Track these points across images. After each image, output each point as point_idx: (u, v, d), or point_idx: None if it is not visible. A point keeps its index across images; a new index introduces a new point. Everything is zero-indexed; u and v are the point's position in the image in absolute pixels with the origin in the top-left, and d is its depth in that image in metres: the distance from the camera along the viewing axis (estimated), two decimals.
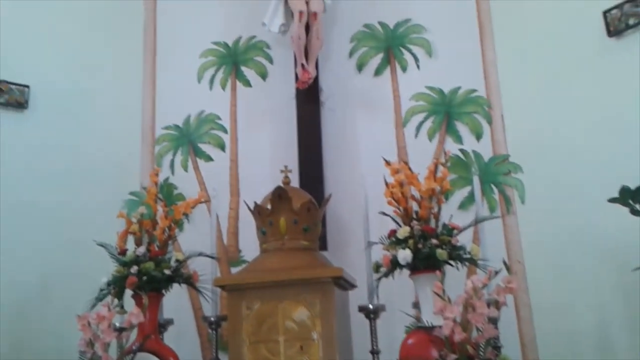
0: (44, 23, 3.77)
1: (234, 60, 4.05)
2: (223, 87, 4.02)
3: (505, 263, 2.58)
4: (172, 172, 3.91)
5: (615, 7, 3.15)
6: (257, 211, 3.03)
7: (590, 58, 3.26)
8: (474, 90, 3.66)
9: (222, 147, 3.92)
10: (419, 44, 3.82)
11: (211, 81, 4.04)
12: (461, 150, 3.59)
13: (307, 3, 3.60)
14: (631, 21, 3.08)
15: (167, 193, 3.79)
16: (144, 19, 4.19)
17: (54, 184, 3.55)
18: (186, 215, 3.19)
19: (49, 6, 3.79)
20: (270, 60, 4.01)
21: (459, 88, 3.69)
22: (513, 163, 3.50)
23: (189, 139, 3.95)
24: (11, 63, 3.56)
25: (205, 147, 3.94)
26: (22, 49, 3.63)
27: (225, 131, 3.94)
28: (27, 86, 3.57)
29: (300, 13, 3.55)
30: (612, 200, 2.57)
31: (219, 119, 3.96)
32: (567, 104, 3.30)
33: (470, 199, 3.42)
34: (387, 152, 3.30)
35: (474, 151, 3.58)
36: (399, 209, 2.82)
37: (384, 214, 2.89)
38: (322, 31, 3.61)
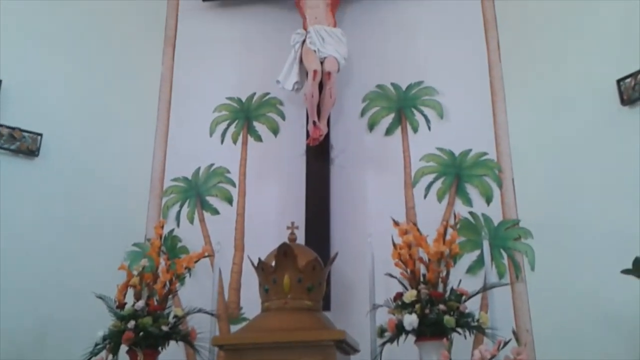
0: (61, 72, 3.82)
1: (247, 116, 4.09)
2: (234, 142, 4.04)
3: (514, 333, 2.49)
4: (178, 224, 3.88)
5: (629, 75, 3.17)
6: (261, 268, 2.97)
7: (603, 125, 3.25)
8: (485, 154, 3.65)
9: (229, 201, 3.89)
10: (430, 105, 3.84)
11: (223, 135, 4.07)
12: (471, 213, 3.53)
13: (321, 63, 3.69)
14: None
15: (171, 245, 3.74)
16: (161, 72, 4.30)
17: (58, 232, 3.51)
18: (188, 269, 3.13)
19: (67, 56, 3.86)
20: (283, 117, 4.05)
21: (469, 150, 3.68)
22: (523, 228, 3.43)
23: (197, 192, 3.94)
24: (27, 111, 3.59)
25: (212, 200, 3.91)
26: (38, 97, 3.67)
27: (234, 185, 3.92)
28: (40, 134, 3.57)
29: (315, 72, 3.61)
30: (626, 271, 2.49)
31: (228, 172, 3.96)
32: (579, 171, 3.28)
33: (479, 263, 3.33)
34: (395, 212, 3.31)
35: (483, 214, 3.52)
36: (406, 271, 2.76)
37: (391, 275, 2.83)
38: (335, 90, 3.66)
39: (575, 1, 3.52)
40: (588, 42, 3.41)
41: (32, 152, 3.52)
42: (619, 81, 3.20)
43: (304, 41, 3.80)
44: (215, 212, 3.88)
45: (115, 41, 4.12)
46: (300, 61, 3.77)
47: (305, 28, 3.85)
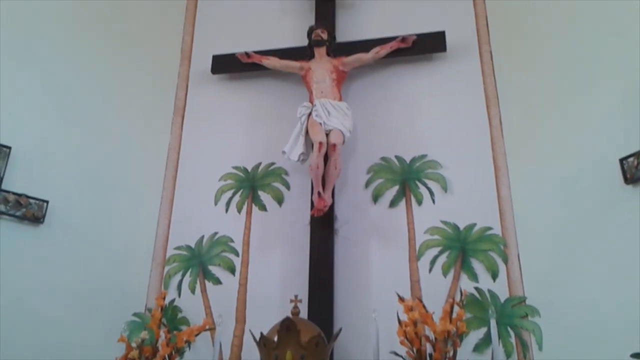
0: (70, 140, 3.85)
1: (252, 185, 4.10)
2: (239, 210, 4.03)
3: None
4: (179, 294, 3.82)
5: (632, 155, 3.18)
6: (263, 343, 2.88)
7: (607, 204, 3.24)
8: (490, 228, 3.63)
9: (232, 271, 3.85)
10: (434, 178, 3.84)
11: (228, 204, 4.07)
12: (477, 289, 3.49)
13: (327, 135, 3.74)
14: None
15: (172, 316, 3.67)
16: (169, 141, 4.36)
17: (60, 299, 3.47)
18: (189, 342, 3.04)
19: (76, 124, 3.90)
20: (288, 187, 4.05)
21: (474, 224, 3.66)
22: (530, 306, 3.37)
23: (200, 260, 3.91)
24: (34, 177, 3.59)
25: (215, 270, 3.88)
26: (46, 164, 3.69)
27: (237, 254, 3.89)
28: (47, 201, 3.57)
29: (320, 144, 3.67)
30: (636, 355, 2.42)
31: (232, 241, 3.94)
32: (584, 249, 3.25)
33: (486, 342, 3.26)
34: (400, 286, 3.31)
35: (489, 290, 3.47)
36: (412, 350, 2.68)
37: (396, 354, 2.75)
38: (340, 162, 3.70)
39: (577, 79, 3.59)
40: (591, 120, 3.44)
41: (37, 219, 3.51)
42: (622, 160, 3.21)
43: (310, 114, 3.87)
44: (217, 281, 3.83)
45: (125, 111, 4.20)
46: (306, 133, 3.84)
47: (311, 101, 3.93)
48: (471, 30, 4.23)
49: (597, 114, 3.42)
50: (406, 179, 3.89)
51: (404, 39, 4.08)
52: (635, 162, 3.12)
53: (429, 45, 4.13)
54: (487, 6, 4.30)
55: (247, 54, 4.32)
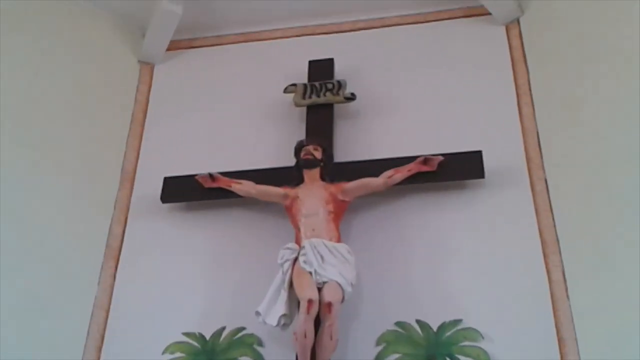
0: None
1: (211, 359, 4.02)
2: None
3: None
4: None
5: None
6: None
7: None
8: None
9: None
10: (473, 355, 3.74)
11: None
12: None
13: (319, 290, 3.70)
14: None
15: None
16: (96, 293, 4.36)
17: None
18: None
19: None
20: None
21: None
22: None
23: None
24: None
25: None
26: None
27: None
28: None
29: (310, 302, 3.60)
30: None
31: None
32: None
33: None
34: None
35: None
36: None
37: None
38: (337, 328, 3.62)
39: None
40: None
41: None
42: None
43: (295, 259, 3.85)
44: None
45: (53, 257, 4.27)
46: (290, 286, 3.81)
47: (298, 242, 3.94)
48: (517, 151, 4.39)
49: None
50: (433, 354, 3.79)
51: (427, 160, 4.16)
52: None
53: (461, 169, 4.22)
54: (537, 120, 4.48)
55: (211, 177, 4.39)
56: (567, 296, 3.85)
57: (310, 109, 4.70)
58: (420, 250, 4.15)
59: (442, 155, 4.17)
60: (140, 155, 4.92)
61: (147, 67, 5.36)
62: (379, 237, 4.23)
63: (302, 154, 4.23)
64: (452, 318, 3.87)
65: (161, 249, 4.48)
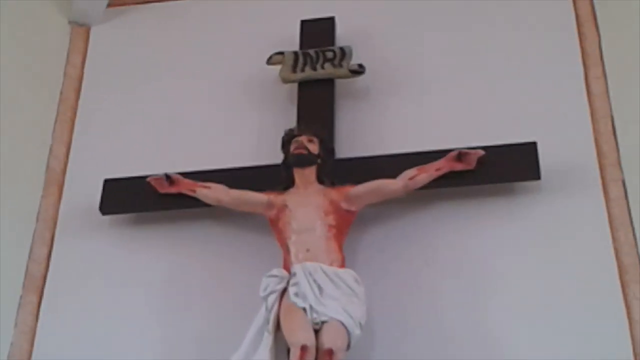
0: None
1: None
2: None
3: None
4: None
5: None
6: None
7: None
8: None
9: None
10: None
11: None
12: None
13: (316, 332, 3.62)
14: None
15: None
16: (11, 340, 4.38)
17: None
18: None
19: None
20: None
21: None
22: None
23: None
24: None
25: None
26: None
27: None
28: None
29: (303, 350, 3.53)
30: None
31: None
32: None
33: None
34: None
35: None
36: None
37: None
38: None
39: None
40: None
41: None
42: None
43: (284, 291, 3.78)
44: None
45: None
46: (277, 327, 3.73)
47: (287, 267, 3.86)
48: (585, 143, 4.37)
49: None
50: None
51: (462, 155, 4.11)
52: None
53: (508, 167, 4.17)
54: (612, 101, 4.49)
55: (168, 179, 4.36)
56: None
57: (304, 86, 4.66)
58: (454, 277, 4.09)
59: (483, 148, 4.11)
60: (72, 150, 4.91)
61: (81, 30, 5.27)
62: (398, 260, 4.18)
63: (292, 147, 4.15)
64: None
65: (100, 278, 4.43)
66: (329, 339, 3.57)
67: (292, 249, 3.89)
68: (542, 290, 3.99)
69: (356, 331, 3.65)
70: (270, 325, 3.73)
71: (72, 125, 4.98)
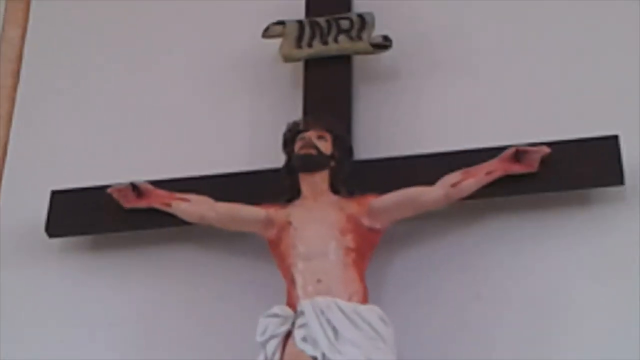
0: None
1: None
2: None
3: None
4: None
5: None
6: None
7: None
8: None
9: None
10: None
11: None
12: None
13: None
14: None
15: None
16: None
17: None
18: None
19: None
20: None
21: None
22: None
23: None
24: None
25: None
26: None
27: None
28: None
29: None
30: None
31: None
32: None
33: None
34: None
35: None
36: None
37: None
38: None
39: None
40: None
41: None
42: None
43: (288, 334, 3.78)
44: None
45: None
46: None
47: (291, 303, 3.87)
48: None
49: None
50: None
51: (520, 154, 4.12)
52: None
53: (581, 169, 4.17)
54: None
55: (135, 189, 4.38)
56: None
57: (311, 65, 4.70)
58: (514, 312, 4.10)
59: (547, 144, 4.13)
60: (8, 153, 4.94)
61: (18, 1, 5.28)
62: (438, 293, 4.21)
63: (297, 146, 4.17)
64: None
65: (49, 318, 4.49)
66: None
67: (299, 280, 3.88)
68: (626, 326, 3.98)
69: None
70: None
71: (8, 121, 4.99)
